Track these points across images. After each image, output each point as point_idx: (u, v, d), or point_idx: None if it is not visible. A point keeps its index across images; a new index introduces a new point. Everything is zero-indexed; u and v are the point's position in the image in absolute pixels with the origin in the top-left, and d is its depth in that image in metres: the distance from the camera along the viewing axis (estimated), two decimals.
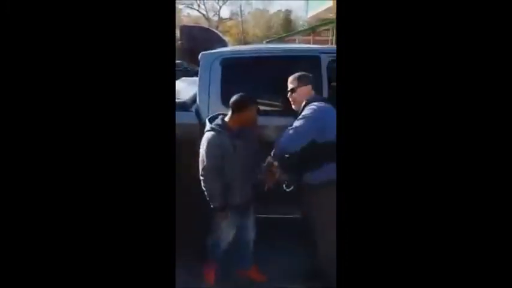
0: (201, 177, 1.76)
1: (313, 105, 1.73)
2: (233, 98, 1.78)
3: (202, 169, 1.74)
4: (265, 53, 2.45)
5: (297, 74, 1.89)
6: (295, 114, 1.89)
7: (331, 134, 1.67)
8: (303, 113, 1.72)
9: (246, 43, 16.27)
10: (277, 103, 2.30)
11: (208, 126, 1.79)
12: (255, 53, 2.47)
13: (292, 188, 1.84)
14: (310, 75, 1.90)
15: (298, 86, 1.85)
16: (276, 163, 1.74)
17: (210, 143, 1.72)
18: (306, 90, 1.85)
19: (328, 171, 1.70)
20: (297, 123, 1.70)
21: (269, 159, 1.76)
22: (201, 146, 1.75)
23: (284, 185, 1.81)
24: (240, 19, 19.15)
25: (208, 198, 1.78)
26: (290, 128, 1.70)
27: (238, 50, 2.63)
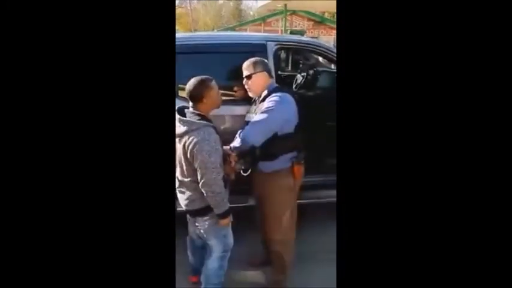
0: (211, 180, 1.50)
1: (276, 97, 1.69)
2: (189, 86, 1.58)
3: (211, 170, 1.49)
4: (212, 40, 2.40)
5: (252, 59, 1.79)
6: (247, 103, 1.89)
7: (291, 126, 1.73)
8: (267, 105, 1.66)
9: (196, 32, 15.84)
10: (226, 92, 2.28)
11: (192, 123, 1.53)
12: (202, 40, 2.40)
13: (249, 172, 1.82)
14: (265, 61, 1.84)
15: (254, 72, 1.76)
16: (234, 154, 1.69)
17: (210, 138, 1.49)
18: (262, 77, 1.78)
19: (282, 162, 1.76)
20: (262, 116, 1.65)
21: (227, 150, 1.70)
22: (194, 147, 1.48)
23: (242, 171, 1.78)
24: (189, 7, 18.54)
25: (215, 203, 1.56)
26: (254, 121, 1.66)
27: (184, 37, 2.54)
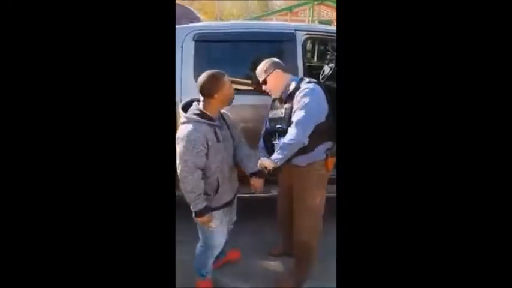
0: (182, 178, 1.49)
1: (307, 89, 1.64)
2: (201, 80, 1.52)
3: (182, 168, 1.47)
4: (240, 28, 2.38)
5: (261, 65, 1.79)
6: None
7: (324, 116, 1.69)
8: (302, 101, 1.61)
9: None
10: (252, 81, 2.26)
11: (183, 116, 1.53)
12: (230, 28, 2.38)
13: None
14: (275, 59, 1.81)
15: (267, 75, 1.76)
16: (273, 166, 1.60)
17: (189, 137, 1.45)
18: (277, 75, 1.76)
19: (316, 154, 1.73)
20: (302, 113, 1.59)
21: (268, 163, 1.59)
22: (176, 141, 1.48)
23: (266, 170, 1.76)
24: None
25: (189, 201, 1.54)
26: (298, 121, 1.58)
27: (212, 25, 2.54)
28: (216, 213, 1.65)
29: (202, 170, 1.54)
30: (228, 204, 1.74)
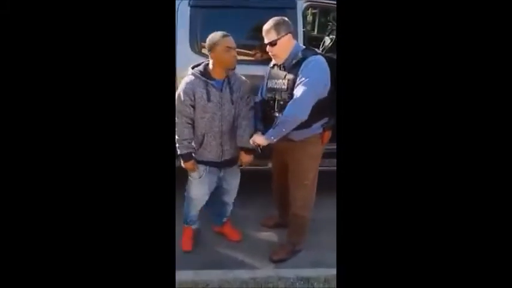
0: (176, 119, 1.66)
1: (313, 62, 1.55)
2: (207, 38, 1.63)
3: (176, 114, 1.65)
4: None
5: (272, 23, 1.59)
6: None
7: (326, 91, 1.62)
8: (309, 75, 1.52)
9: None
10: (251, 51, 2.19)
11: (189, 71, 1.67)
12: None
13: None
14: (288, 21, 1.65)
15: (279, 37, 1.58)
16: (267, 143, 1.62)
17: (181, 86, 1.63)
18: (289, 40, 1.60)
19: (314, 128, 1.68)
20: (306, 88, 1.51)
21: (261, 140, 1.61)
22: None
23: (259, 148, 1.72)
24: None
25: (177, 144, 1.70)
26: (301, 95, 1.52)
27: None
28: (199, 166, 1.77)
29: (191, 120, 1.67)
30: (213, 164, 1.78)
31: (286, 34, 1.60)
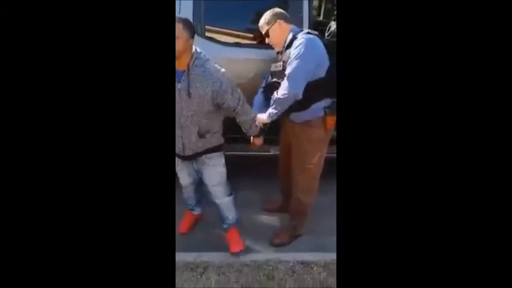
0: None
1: (302, 39, 1.57)
2: None
3: None
4: None
5: (263, 17, 1.71)
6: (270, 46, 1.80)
7: (323, 71, 1.63)
8: (297, 52, 1.55)
9: None
10: (251, 34, 2.17)
11: None
12: None
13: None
14: (277, 9, 1.72)
15: (269, 26, 1.69)
16: (269, 120, 1.66)
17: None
18: (279, 26, 1.68)
19: (314, 111, 1.70)
20: (295, 63, 1.54)
21: (263, 118, 1.66)
22: None
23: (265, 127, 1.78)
24: None
25: None
26: (290, 72, 1.55)
27: None
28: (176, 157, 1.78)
29: None
30: (180, 157, 1.73)
31: (276, 22, 1.68)
